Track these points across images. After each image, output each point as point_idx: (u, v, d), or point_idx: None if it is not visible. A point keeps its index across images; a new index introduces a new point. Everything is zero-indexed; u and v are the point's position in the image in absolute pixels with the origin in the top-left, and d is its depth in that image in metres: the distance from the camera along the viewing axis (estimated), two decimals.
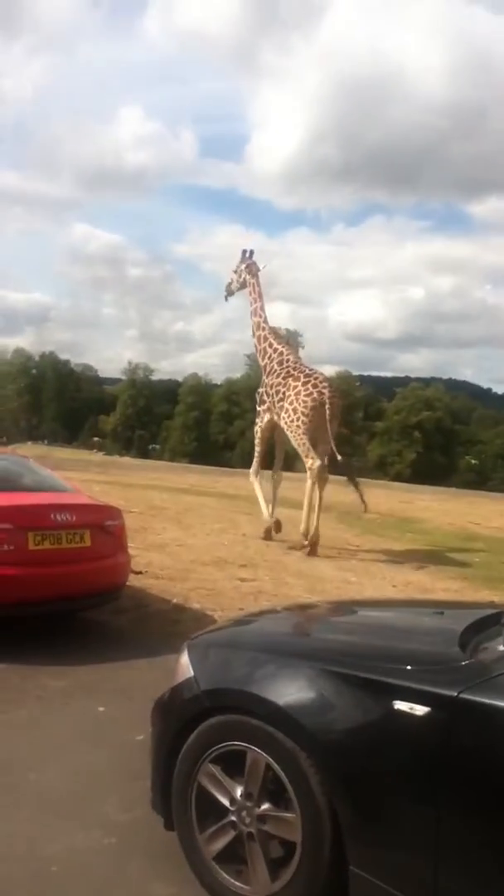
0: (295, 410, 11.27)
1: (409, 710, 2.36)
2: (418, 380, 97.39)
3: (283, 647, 2.98)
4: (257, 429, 12.82)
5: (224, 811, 2.75)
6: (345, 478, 12.63)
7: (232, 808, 2.73)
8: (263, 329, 12.58)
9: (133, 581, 7.29)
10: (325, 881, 2.50)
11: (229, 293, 13.22)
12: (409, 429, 78.79)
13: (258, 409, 12.69)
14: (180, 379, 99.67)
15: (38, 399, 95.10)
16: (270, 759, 2.62)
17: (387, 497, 25.00)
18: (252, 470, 12.97)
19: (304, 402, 11.18)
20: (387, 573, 10.18)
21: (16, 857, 3.00)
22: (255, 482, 12.82)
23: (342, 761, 2.49)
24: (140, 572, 8.08)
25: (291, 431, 11.37)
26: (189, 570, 8.86)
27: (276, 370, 12.11)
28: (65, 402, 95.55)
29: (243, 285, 12.89)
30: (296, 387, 11.40)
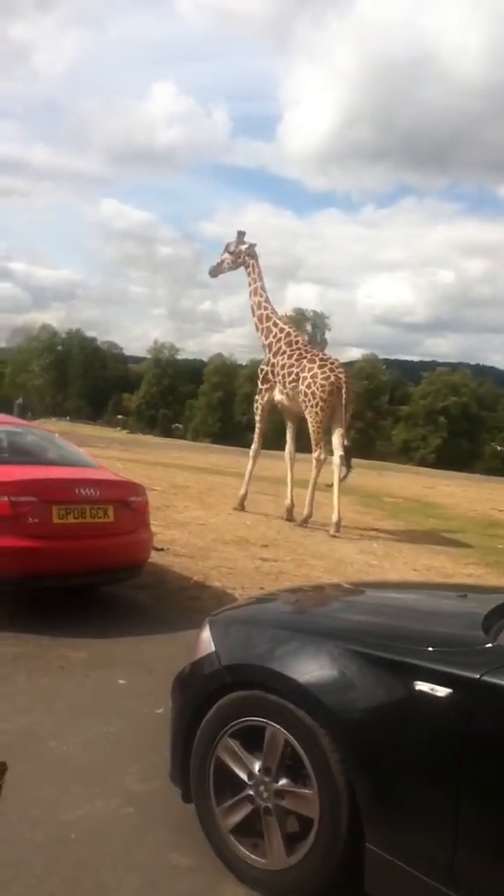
0: (314, 395, 11.48)
1: (430, 692, 2.35)
2: (445, 364, 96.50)
3: (305, 625, 2.99)
4: (258, 406, 12.84)
5: (242, 785, 2.77)
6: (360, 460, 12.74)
7: (250, 783, 2.75)
8: (266, 308, 12.62)
9: (154, 558, 7.33)
10: (340, 857, 2.51)
11: (220, 272, 13.07)
12: (434, 414, 78.17)
13: (260, 386, 12.71)
14: (205, 359, 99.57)
15: (63, 376, 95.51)
16: (289, 735, 2.63)
17: (410, 482, 24.92)
18: (253, 448, 12.95)
19: (322, 385, 11.40)
20: (409, 557, 10.16)
21: (36, 822, 3.05)
22: (250, 459, 12.83)
23: (362, 740, 2.50)
24: (161, 549, 8.13)
25: (310, 416, 11.60)
26: (210, 548, 8.90)
27: (284, 350, 12.22)
28: (90, 380, 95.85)
29: (237, 265, 12.81)
30: (311, 369, 11.60)
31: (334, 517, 11.28)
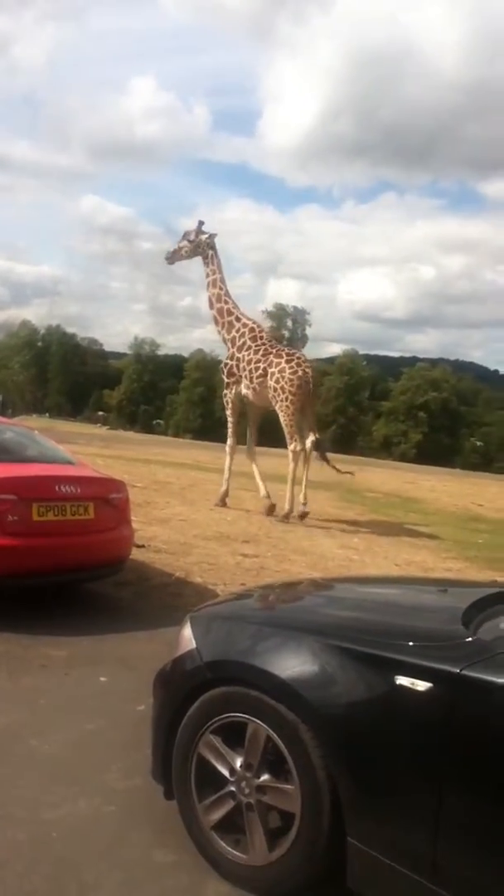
0: (283, 389, 11.66)
1: (410, 686, 2.36)
2: (426, 360, 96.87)
3: (285, 621, 2.99)
4: (228, 401, 12.84)
5: (224, 781, 2.77)
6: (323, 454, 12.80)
7: (231, 779, 2.75)
8: (227, 302, 12.60)
9: (136, 554, 7.31)
10: (322, 852, 2.52)
11: (178, 259, 12.95)
12: (414, 409, 78.60)
13: (227, 380, 12.72)
14: (186, 354, 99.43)
15: (43, 372, 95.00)
16: (271, 730, 2.63)
17: (391, 477, 25.04)
18: (228, 444, 12.96)
19: (291, 380, 11.61)
20: (389, 552, 10.20)
21: (17, 821, 3.03)
22: (227, 455, 12.83)
23: (343, 734, 2.50)
24: (143, 546, 8.11)
25: (282, 411, 11.75)
26: (192, 544, 8.89)
27: (249, 345, 12.29)
28: (70, 376, 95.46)
29: (195, 254, 12.72)
30: (279, 364, 11.81)
31: (298, 502, 11.80)
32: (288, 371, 11.64)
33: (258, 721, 2.67)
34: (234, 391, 12.61)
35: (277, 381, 11.72)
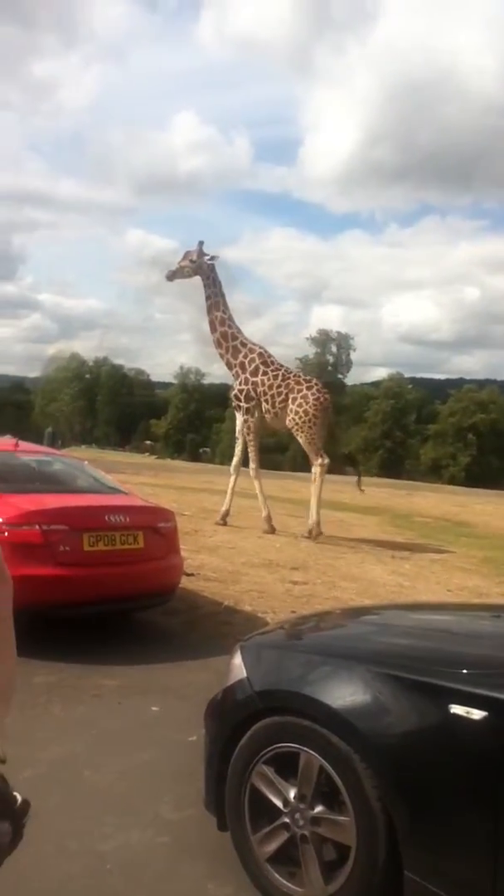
0: (307, 413, 12.22)
1: (465, 715, 2.32)
2: (472, 381, 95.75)
3: (337, 650, 2.96)
4: (248, 424, 12.75)
5: (277, 812, 2.74)
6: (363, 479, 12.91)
7: (285, 810, 2.72)
8: (230, 326, 12.63)
9: (185, 583, 7.33)
10: (379, 886, 2.47)
11: (178, 277, 12.79)
12: (463, 431, 77.55)
13: (244, 405, 12.63)
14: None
15: (92, 403, 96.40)
16: (324, 761, 2.60)
17: (440, 501, 24.73)
18: (253, 468, 12.95)
19: (315, 405, 12.23)
20: (441, 577, 10.05)
21: (71, 853, 3.04)
22: (257, 481, 12.80)
23: (397, 765, 2.47)
24: (192, 574, 8.12)
25: (304, 433, 12.30)
26: (240, 572, 8.87)
27: (264, 370, 12.47)
28: (118, 407, 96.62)
29: (196, 274, 12.63)
30: (301, 390, 12.34)
31: (311, 521, 12.18)
32: (311, 397, 12.24)
33: (311, 751, 2.64)
34: (255, 415, 12.66)
35: (300, 406, 12.23)
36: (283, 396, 12.37)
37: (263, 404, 12.51)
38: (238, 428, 13.01)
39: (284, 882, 2.71)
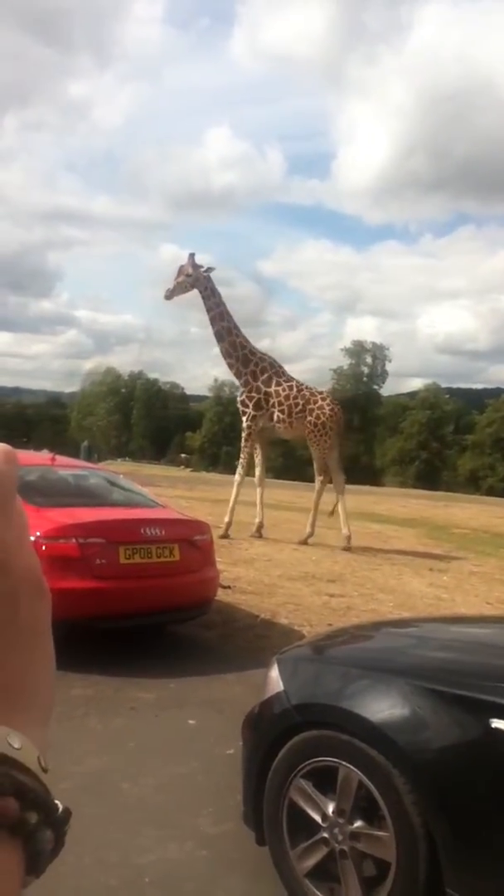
0: (324, 426, 12.56)
1: None
2: None
3: (375, 663, 2.94)
4: (252, 432, 12.77)
5: (316, 827, 2.71)
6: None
7: (324, 825, 2.69)
8: (237, 336, 12.61)
9: (221, 595, 7.33)
10: None
11: (177, 293, 12.67)
12: (501, 441, 76.66)
13: (253, 412, 12.61)
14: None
15: (127, 417, 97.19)
16: (363, 775, 2.57)
17: (479, 512, 24.42)
18: (239, 474, 13.07)
19: (330, 416, 12.57)
20: (480, 590, 9.92)
21: (109, 865, 3.04)
22: (238, 486, 12.91)
23: (437, 780, 2.43)
24: (228, 587, 8.11)
25: (319, 445, 12.69)
26: (276, 585, 8.85)
27: (278, 381, 12.58)
28: (153, 420, 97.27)
29: (194, 287, 12.55)
30: (317, 401, 12.64)
31: (346, 532, 12.45)
32: (328, 410, 12.59)
33: (349, 766, 2.62)
34: (259, 424, 12.67)
35: (318, 418, 12.50)
36: (300, 408, 12.53)
37: (278, 414, 12.57)
38: (243, 436, 12.98)
39: None
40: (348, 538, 12.41)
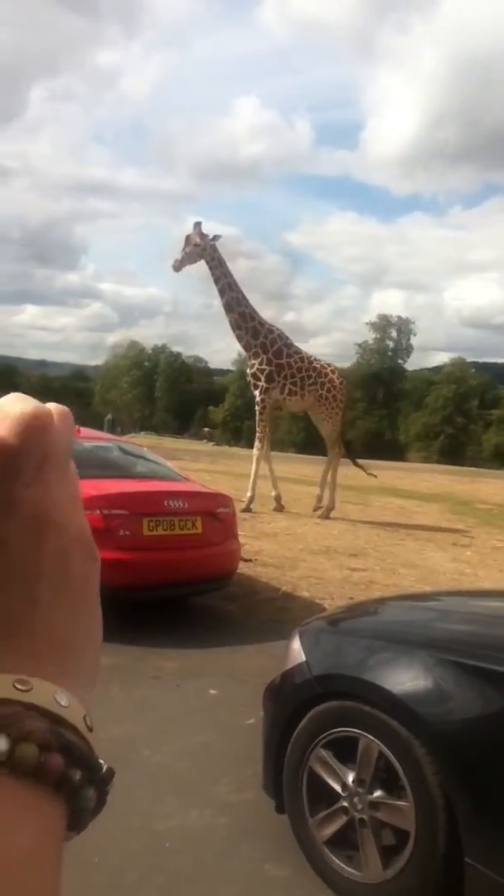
0: (335, 398, 12.68)
1: None
2: None
3: (397, 635, 2.93)
4: (266, 405, 12.46)
5: (336, 796, 2.73)
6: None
7: (343, 794, 2.71)
8: (246, 307, 12.34)
9: (243, 568, 7.36)
10: (438, 872, 2.45)
11: (185, 264, 12.39)
12: None
13: (265, 385, 12.33)
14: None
15: (150, 391, 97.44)
16: (383, 746, 2.58)
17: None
18: (264, 450, 12.63)
19: (340, 390, 12.75)
20: None
21: (131, 830, 3.08)
22: (259, 462, 12.50)
23: (459, 752, 2.43)
24: (250, 560, 8.14)
25: (332, 418, 12.79)
26: (298, 558, 8.86)
27: (288, 353, 12.40)
28: (176, 394, 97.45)
29: (202, 257, 12.25)
30: (327, 374, 12.67)
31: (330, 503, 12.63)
32: (337, 382, 12.69)
33: (370, 736, 2.63)
34: (272, 396, 12.46)
35: (329, 391, 12.54)
36: (312, 380, 12.49)
37: (289, 386, 12.42)
38: (256, 409, 12.69)
39: (343, 865, 2.70)
40: (328, 509, 12.55)
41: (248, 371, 12.85)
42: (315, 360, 12.88)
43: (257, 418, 12.73)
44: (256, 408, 12.68)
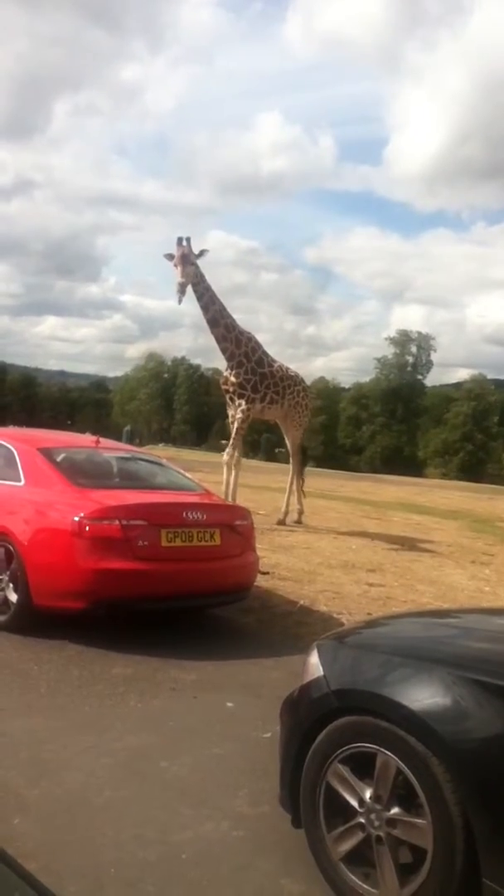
0: (306, 407, 12.91)
1: None
2: None
3: (417, 651, 2.92)
4: (248, 416, 12.11)
5: (353, 812, 2.72)
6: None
7: (361, 810, 2.70)
8: (228, 317, 11.93)
9: (260, 581, 7.35)
10: (455, 891, 2.43)
11: (192, 283, 11.33)
12: None
13: (252, 395, 11.95)
14: (308, 383, 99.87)
15: (169, 402, 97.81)
16: (401, 763, 2.57)
17: None
18: (235, 458, 12.20)
19: (310, 403, 13.05)
20: None
21: (148, 841, 3.09)
22: (233, 470, 12.13)
23: (477, 770, 2.42)
24: (267, 573, 8.13)
25: (301, 427, 13.09)
26: (316, 572, 8.84)
27: (268, 361, 12.27)
28: (195, 406, 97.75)
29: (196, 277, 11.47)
30: (297, 382, 12.78)
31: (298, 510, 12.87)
32: (306, 394, 12.95)
33: (388, 752, 2.62)
34: (256, 406, 12.11)
35: (303, 399, 12.72)
36: (290, 389, 12.53)
37: (271, 395, 12.21)
38: (239, 418, 12.07)
39: (359, 882, 2.69)
40: (292, 517, 12.70)
41: (230, 381, 12.13)
42: (288, 370, 12.85)
43: (237, 427, 12.19)
44: (239, 416, 12.10)
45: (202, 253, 11.45)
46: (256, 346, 12.25)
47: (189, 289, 11.35)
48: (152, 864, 2.94)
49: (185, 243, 11.25)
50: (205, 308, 11.69)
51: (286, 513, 12.76)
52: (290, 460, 13.33)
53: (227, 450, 12.34)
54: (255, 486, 20.20)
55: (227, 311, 11.99)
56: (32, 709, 4.50)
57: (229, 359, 11.98)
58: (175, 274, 11.19)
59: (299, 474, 13.08)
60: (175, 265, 11.15)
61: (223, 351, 11.96)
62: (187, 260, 11.18)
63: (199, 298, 11.63)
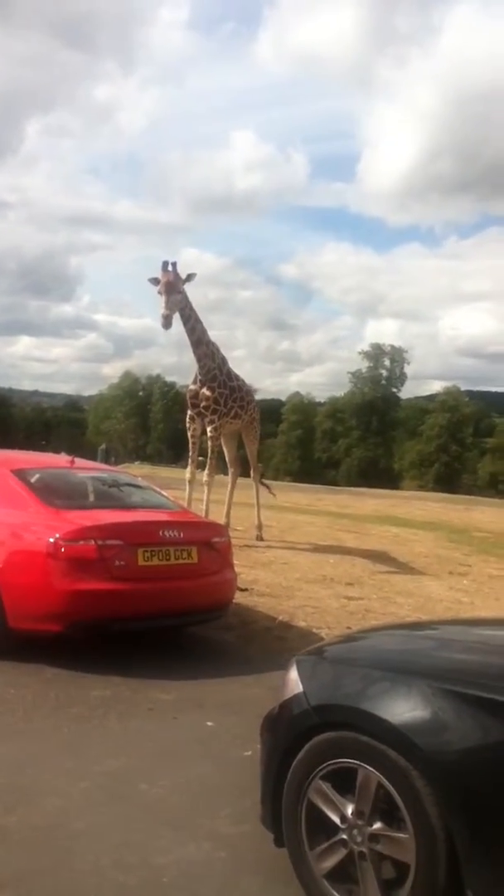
0: (257, 421, 13.07)
1: None
2: None
3: (395, 664, 2.91)
4: (220, 433, 12.04)
5: (335, 829, 2.70)
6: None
7: (343, 826, 2.68)
8: (206, 334, 11.80)
9: (239, 598, 7.32)
10: None
11: (177, 310, 10.98)
12: None
13: (223, 409, 11.83)
14: (283, 398, 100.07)
15: (145, 421, 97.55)
16: (382, 777, 2.56)
17: (500, 515, 24.24)
18: (205, 474, 12.25)
19: (258, 413, 13.08)
20: (501, 593, 9.84)
21: (127, 866, 3.05)
22: (207, 487, 12.04)
23: (459, 783, 2.41)
24: (245, 589, 8.10)
25: (256, 440, 13.34)
26: (294, 587, 8.83)
27: (235, 375, 12.36)
28: (171, 423, 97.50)
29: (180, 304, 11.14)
30: (251, 395, 12.79)
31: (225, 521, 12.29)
32: (256, 407, 12.96)
33: (369, 767, 2.60)
34: (226, 420, 12.01)
35: (256, 411, 12.88)
36: (248, 402, 12.57)
37: (236, 409, 12.17)
38: (213, 435, 11.87)
39: None
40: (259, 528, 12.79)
41: (205, 395, 11.73)
42: (243, 383, 12.65)
43: (212, 445, 12.01)
44: (211, 433, 11.85)
45: (189, 277, 11.03)
46: (224, 359, 12.16)
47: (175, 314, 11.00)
48: (133, 888, 2.90)
49: (170, 268, 10.81)
50: (191, 330, 11.47)
51: (260, 527, 12.80)
52: (252, 474, 13.55)
53: (206, 469, 12.27)
54: (235, 503, 20.16)
55: (204, 327, 11.78)
56: (9, 733, 4.43)
57: (206, 374, 11.71)
58: (160, 303, 10.72)
59: (258, 486, 13.34)
60: (159, 293, 10.70)
61: (202, 367, 11.68)
62: (173, 288, 10.73)
63: (186, 322, 11.37)
